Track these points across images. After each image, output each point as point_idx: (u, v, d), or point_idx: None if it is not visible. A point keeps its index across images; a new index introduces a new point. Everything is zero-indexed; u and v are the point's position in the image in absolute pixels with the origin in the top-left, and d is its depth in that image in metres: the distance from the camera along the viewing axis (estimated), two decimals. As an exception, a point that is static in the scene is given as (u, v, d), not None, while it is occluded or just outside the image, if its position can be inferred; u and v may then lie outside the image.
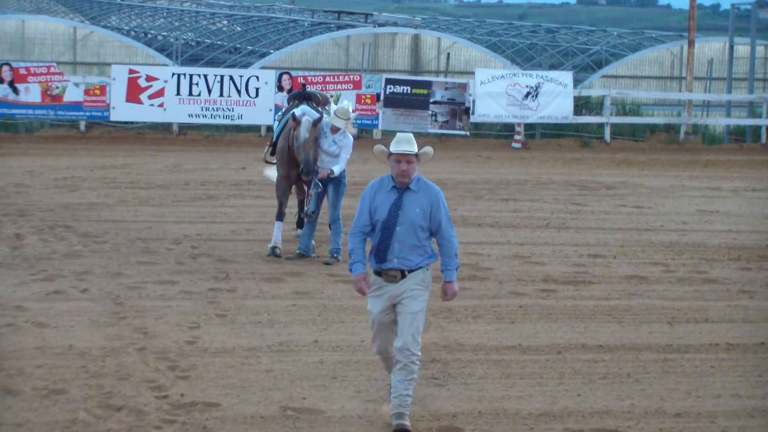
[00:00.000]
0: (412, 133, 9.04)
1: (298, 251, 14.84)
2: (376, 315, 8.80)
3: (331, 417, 9.10)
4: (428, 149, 8.88)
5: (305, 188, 15.19)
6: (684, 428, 9.24)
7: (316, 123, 14.66)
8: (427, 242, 8.76)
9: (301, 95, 15.76)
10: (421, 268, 8.71)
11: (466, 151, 26.80)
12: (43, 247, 14.98)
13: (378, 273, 8.76)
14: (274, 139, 15.74)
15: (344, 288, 13.10)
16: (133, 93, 26.51)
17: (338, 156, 14.70)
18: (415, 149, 8.69)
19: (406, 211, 8.65)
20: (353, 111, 15.07)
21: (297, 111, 14.98)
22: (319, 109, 15.38)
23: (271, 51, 32.26)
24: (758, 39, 31.85)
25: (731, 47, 31.26)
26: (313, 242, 15.02)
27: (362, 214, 8.79)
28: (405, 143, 8.72)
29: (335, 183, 14.79)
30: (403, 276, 8.68)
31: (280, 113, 16.40)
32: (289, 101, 16.17)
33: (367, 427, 8.98)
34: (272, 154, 15.88)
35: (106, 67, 28.91)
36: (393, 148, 8.68)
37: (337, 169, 14.56)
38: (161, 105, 26.70)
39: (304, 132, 14.55)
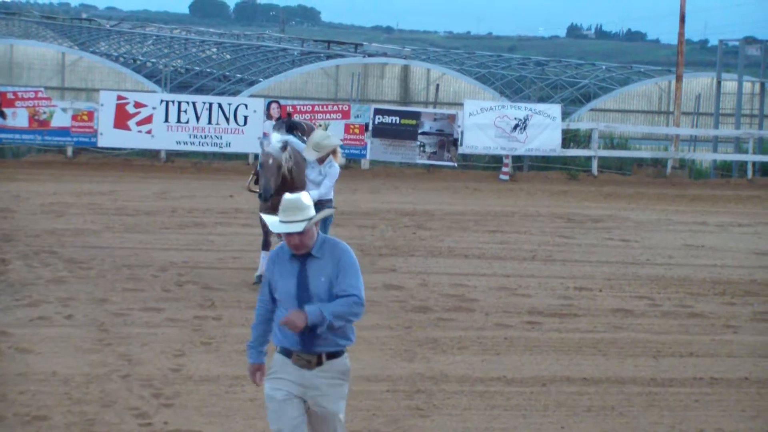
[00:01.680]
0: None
1: None
2: (280, 402, 7.04)
3: (314, 447, 9.05)
4: (326, 212, 7.49)
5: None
6: (668, 463, 9.23)
7: (284, 148, 14.58)
8: None
9: (286, 124, 15.75)
10: (339, 353, 7.11)
11: (453, 182, 26.83)
12: (28, 272, 14.93)
13: (287, 354, 7.10)
14: (258, 167, 15.69)
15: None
16: (121, 119, 26.50)
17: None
18: (302, 222, 6.92)
19: (312, 283, 6.97)
20: (342, 140, 14.88)
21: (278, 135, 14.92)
22: (304, 138, 15.35)
23: (261, 79, 32.35)
24: (745, 75, 32.04)
25: (719, 83, 31.47)
26: None
27: (263, 286, 7.25)
28: (291, 211, 6.96)
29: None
30: (319, 362, 7.04)
31: (265, 140, 16.34)
32: (274, 130, 16.13)
33: (350, 457, 8.95)
34: (256, 182, 15.82)
35: (94, 93, 28.93)
36: (280, 218, 7.00)
37: (314, 194, 14.07)
38: (149, 132, 26.70)
39: (271, 149, 14.46)
